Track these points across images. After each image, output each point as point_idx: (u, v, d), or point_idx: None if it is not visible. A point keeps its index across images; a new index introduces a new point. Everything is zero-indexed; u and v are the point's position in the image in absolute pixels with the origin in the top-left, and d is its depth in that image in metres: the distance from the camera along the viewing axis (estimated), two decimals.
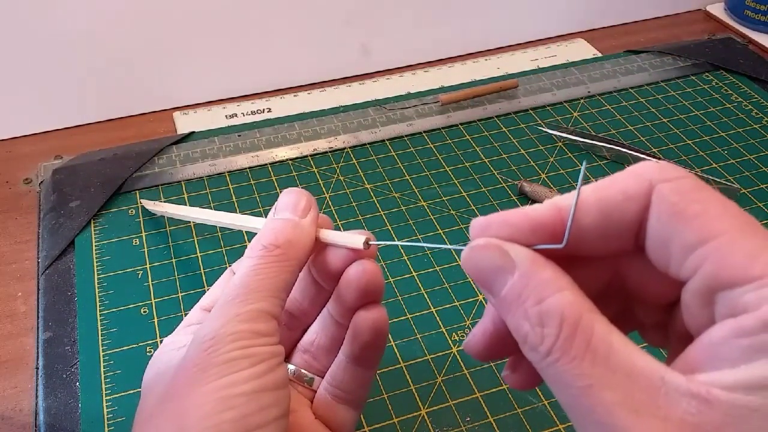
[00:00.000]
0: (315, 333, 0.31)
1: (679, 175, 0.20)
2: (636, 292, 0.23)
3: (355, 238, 0.29)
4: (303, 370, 0.31)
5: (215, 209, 0.49)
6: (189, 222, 0.47)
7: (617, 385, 0.18)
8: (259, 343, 0.25)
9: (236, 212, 0.48)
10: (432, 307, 0.42)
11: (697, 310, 0.20)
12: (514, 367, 0.24)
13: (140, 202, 0.48)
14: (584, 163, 0.22)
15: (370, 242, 0.29)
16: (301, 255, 0.28)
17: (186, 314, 0.30)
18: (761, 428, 0.17)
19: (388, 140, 0.55)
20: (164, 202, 0.48)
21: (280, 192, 0.49)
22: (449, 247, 0.26)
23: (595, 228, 0.21)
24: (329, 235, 0.29)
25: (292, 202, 0.29)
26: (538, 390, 0.37)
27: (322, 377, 0.32)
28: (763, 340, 0.18)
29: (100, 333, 0.41)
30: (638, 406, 0.18)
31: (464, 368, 0.39)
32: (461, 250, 0.22)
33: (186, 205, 0.49)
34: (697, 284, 0.19)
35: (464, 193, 0.50)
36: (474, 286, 0.43)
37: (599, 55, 0.65)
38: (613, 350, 0.19)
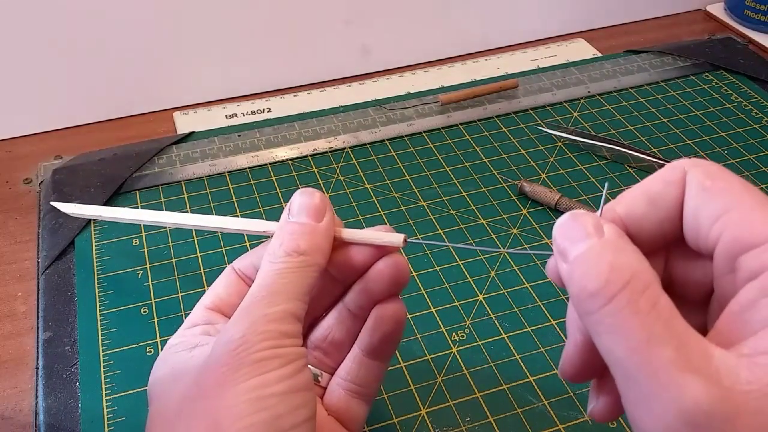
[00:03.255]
0: (328, 328, 0.32)
1: (708, 163, 0.23)
2: (682, 287, 0.25)
3: (393, 237, 0.30)
4: (310, 366, 0.31)
5: (215, 209, 0.49)
6: (182, 227, 0.47)
7: (676, 346, 0.19)
8: (287, 343, 0.26)
9: (236, 212, 0.48)
10: (432, 307, 0.42)
11: (724, 280, 0.21)
12: (598, 391, 0.24)
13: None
14: (606, 186, 0.25)
15: (408, 240, 0.30)
16: (323, 260, 0.29)
17: (186, 314, 0.30)
18: None
19: (388, 140, 0.55)
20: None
21: (280, 192, 0.50)
22: (476, 248, 0.27)
23: (646, 216, 0.23)
24: (359, 234, 0.30)
25: (306, 204, 0.30)
26: (538, 390, 0.37)
27: (330, 373, 0.32)
28: None
29: (100, 333, 0.41)
30: (694, 368, 0.19)
31: (464, 368, 0.39)
32: (486, 250, 0.23)
33: (186, 205, 0.49)
34: (721, 250, 0.21)
35: (464, 193, 0.50)
36: (474, 286, 0.43)
37: (599, 55, 0.65)
38: (674, 317, 0.20)
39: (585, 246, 0.22)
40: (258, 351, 0.25)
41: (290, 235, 0.29)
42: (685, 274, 0.24)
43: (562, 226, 0.23)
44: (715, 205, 0.22)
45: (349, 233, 0.30)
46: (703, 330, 0.22)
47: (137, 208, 0.49)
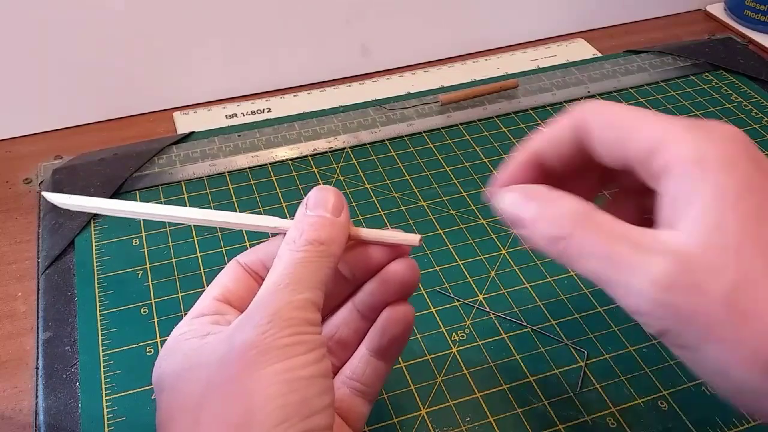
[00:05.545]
0: (335, 327, 0.32)
1: (601, 106, 0.28)
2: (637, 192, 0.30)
3: (409, 236, 0.31)
4: None
5: (215, 209, 0.48)
6: (187, 223, 0.47)
7: (628, 242, 0.25)
8: (310, 331, 0.26)
9: (236, 212, 0.48)
10: (432, 307, 0.42)
11: (653, 181, 0.27)
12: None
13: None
14: None
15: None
16: (339, 252, 0.29)
17: (186, 314, 0.30)
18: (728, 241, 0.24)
19: (388, 140, 0.55)
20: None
21: (280, 192, 0.50)
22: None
23: (553, 151, 0.30)
24: (374, 233, 0.31)
25: (323, 199, 0.30)
26: (538, 390, 0.37)
27: (334, 372, 0.32)
28: (684, 190, 0.25)
29: (100, 333, 0.41)
30: (647, 249, 0.24)
31: (464, 368, 0.39)
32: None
33: (186, 205, 0.49)
34: (637, 165, 0.27)
35: (464, 193, 0.50)
36: (474, 286, 0.43)
37: (599, 55, 0.65)
38: (616, 224, 0.26)
39: (534, 209, 0.28)
40: (285, 336, 0.25)
41: (310, 226, 0.29)
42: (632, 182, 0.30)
43: (509, 202, 0.29)
44: (614, 133, 0.27)
45: (364, 232, 0.31)
46: None
47: None
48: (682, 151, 0.25)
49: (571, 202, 0.27)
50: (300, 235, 0.29)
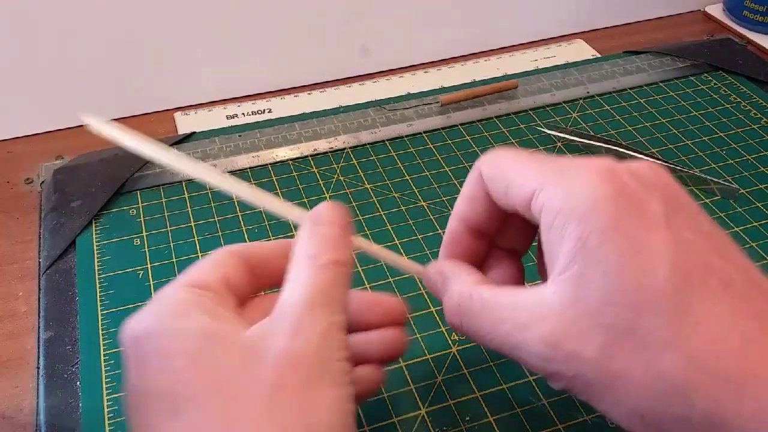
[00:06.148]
0: None
1: (491, 154, 0.30)
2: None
3: (413, 266, 0.33)
4: None
5: (216, 210, 0.49)
6: (189, 221, 0.47)
7: (507, 318, 0.26)
8: (347, 357, 0.26)
9: (236, 212, 0.48)
10: (432, 307, 0.42)
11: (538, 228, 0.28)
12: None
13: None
14: None
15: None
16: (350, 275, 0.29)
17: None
18: (585, 287, 0.24)
19: (388, 140, 0.55)
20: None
21: (281, 192, 0.50)
22: None
23: (474, 211, 0.31)
24: (383, 253, 0.32)
25: (333, 216, 0.29)
26: (538, 390, 0.37)
27: None
28: (555, 236, 0.26)
29: (100, 333, 0.41)
30: (524, 324, 0.26)
31: (464, 368, 0.39)
32: None
33: (187, 206, 0.49)
34: (521, 211, 0.28)
35: None
36: None
37: (598, 55, 0.65)
38: (499, 300, 0.27)
39: (437, 292, 0.32)
40: (336, 360, 0.25)
41: (328, 244, 0.28)
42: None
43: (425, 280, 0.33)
44: (500, 184, 0.29)
45: (374, 247, 0.32)
46: None
47: (138, 208, 0.49)
48: (548, 200, 0.26)
49: (457, 285, 0.29)
50: (321, 253, 0.27)
